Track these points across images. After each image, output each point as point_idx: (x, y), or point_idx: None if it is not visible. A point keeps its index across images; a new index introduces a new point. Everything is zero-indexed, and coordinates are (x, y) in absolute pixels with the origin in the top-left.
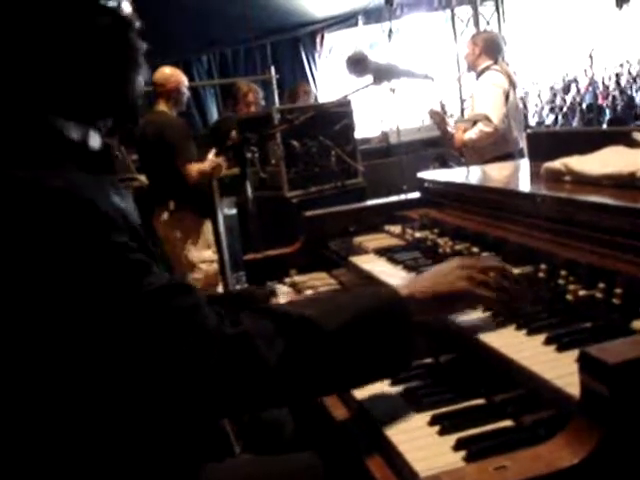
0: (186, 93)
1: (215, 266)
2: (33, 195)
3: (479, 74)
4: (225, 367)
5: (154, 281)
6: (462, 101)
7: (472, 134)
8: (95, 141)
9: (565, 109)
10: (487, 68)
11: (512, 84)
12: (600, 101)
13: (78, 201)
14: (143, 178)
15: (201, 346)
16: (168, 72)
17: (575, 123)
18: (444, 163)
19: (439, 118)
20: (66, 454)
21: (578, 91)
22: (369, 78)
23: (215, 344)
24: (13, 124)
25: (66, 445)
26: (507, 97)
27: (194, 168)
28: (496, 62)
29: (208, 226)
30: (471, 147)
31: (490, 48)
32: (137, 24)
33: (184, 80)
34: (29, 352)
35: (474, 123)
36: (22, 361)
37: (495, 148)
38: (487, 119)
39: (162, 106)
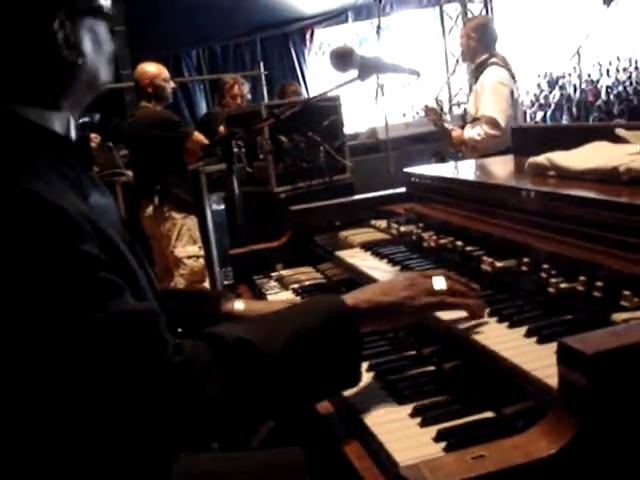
0: (166, 86)
1: (201, 261)
2: (3, 198)
3: (478, 67)
4: (167, 398)
5: (117, 304)
6: (451, 97)
7: (474, 134)
8: (74, 133)
9: (553, 106)
10: (487, 61)
11: (513, 78)
12: (590, 98)
13: (46, 206)
14: (130, 173)
15: (152, 374)
16: (141, 69)
17: (564, 120)
18: (442, 159)
19: (435, 115)
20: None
21: (565, 87)
22: (354, 73)
23: (163, 374)
24: None
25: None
26: (512, 95)
27: (200, 136)
28: (493, 53)
29: (194, 221)
30: (472, 146)
31: (486, 37)
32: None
33: (160, 73)
34: None
35: (473, 120)
36: None
37: (496, 145)
38: (493, 122)
39: (144, 102)
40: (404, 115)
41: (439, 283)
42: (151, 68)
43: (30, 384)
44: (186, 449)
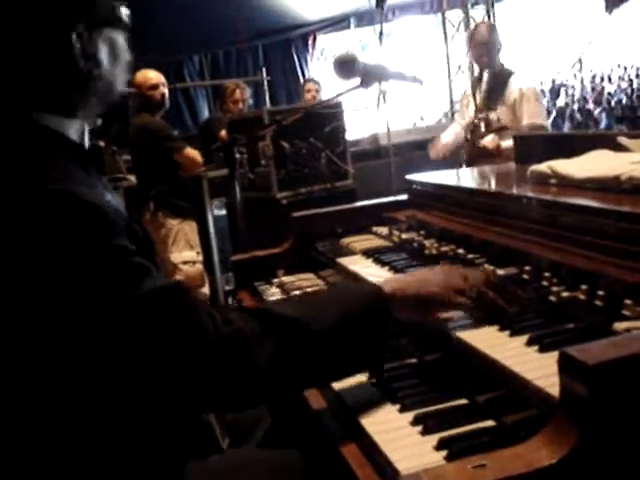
0: (153, 94)
1: (198, 267)
2: (40, 198)
3: (499, 75)
4: (217, 365)
5: (152, 283)
6: (452, 103)
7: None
8: (87, 141)
9: (555, 113)
10: (505, 68)
11: None
12: (590, 105)
13: (83, 204)
14: (133, 178)
15: (196, 344)
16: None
17: (566, 127)
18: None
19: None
20: (62, 452)
21: (567, 95)
22: (357, 80)
23: (209, 343)
24: (14, 129)
25: (62, 443)
26: None
27: (193, 152)
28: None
29: (191, 226)
30: (507, 156)
31: (500, 45)
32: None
33: (144, 82)
34: (30, 351)
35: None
36: (23, 360)
37: None
38: (543, 130)
39: (142, 110)
40: (415, 124)
41: (475, 278)
42: (139, 77)
43: (86, 363)
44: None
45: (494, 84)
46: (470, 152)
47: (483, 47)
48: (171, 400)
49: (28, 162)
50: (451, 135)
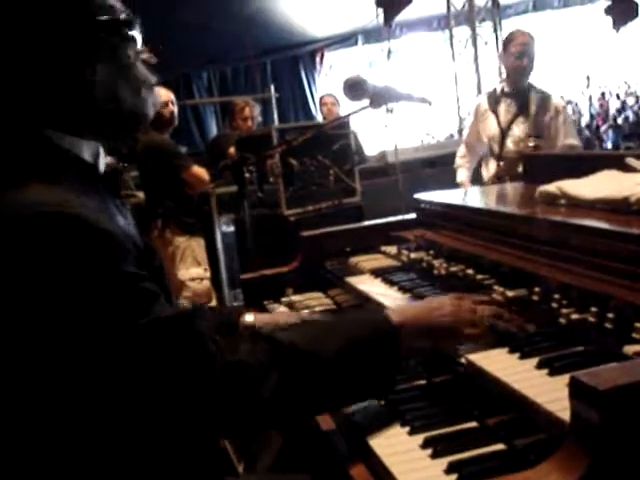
0: (163, 110)
1: (206, 283)
2: (52, 222)
3: (525, 90)
4: (222, 393)
5: (160, 310)
6: (460, 119)
7: None
8: (103, 163)
9: None
10: (536, 86)
11: None
12: (598, 122)
13: (91, 229)
14: (141, 195)
15: (201, 372)
16: None
17: None
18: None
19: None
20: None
21: (574, 112)
22: (367, 101)
23: (214, 371)
24: (26, 148)
25: (70, 470)
26: None
27: (200, 170)
28: None
29: (199, 243)
30: None
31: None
32: (146, 55)
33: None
34: (37, 376)
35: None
36: (29, 385)
37: None
38: (578, 149)
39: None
40: (422, 141)
41: (481, 316)
42: None
43: (92, 388)
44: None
45: (523, 99)
46: (498, 170)
47: (524, 57)
48: (176, 426)
49: (37, 181)
50: (465, 173)
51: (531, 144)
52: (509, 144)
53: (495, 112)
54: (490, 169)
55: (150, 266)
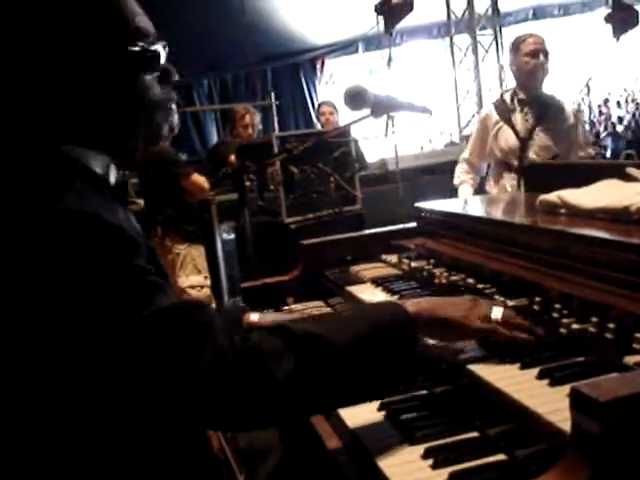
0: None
1: (206, 291)
2: (65, 220)
3: (540, 97)
4: (235, 380)
5: (168, 300)
6: (460, 127)
7: None
8: (113, 176)
9: None
10: (550, 95)
11: None
12: (599, 129)
13: (107, 225)
14: (141, 202)
15: (213, 359)
16: None
17: None
18: None
19: None
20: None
21: None
22: (367, 110)
23: (226, 358)
24: (40, 157)
25: (71, 464)
26: None
27: (199, 178)
28: None
29: (199, 251)
30: None
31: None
32: (174, 76)
33: None
34: (40, 365)
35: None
36: (32, 375)
37: None
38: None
39: None
40: (422, 148)
41: (496, 313)
42: None
43: (100, 379)
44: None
45: (540, 106)
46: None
47: (540, 54)
48: (187, 411)
49: (50, 185)
50: (470, 190)
51: (551, 154)
52: (531, 155)
53: (510, 122)
54: (504, 184)
55: (158, 265)
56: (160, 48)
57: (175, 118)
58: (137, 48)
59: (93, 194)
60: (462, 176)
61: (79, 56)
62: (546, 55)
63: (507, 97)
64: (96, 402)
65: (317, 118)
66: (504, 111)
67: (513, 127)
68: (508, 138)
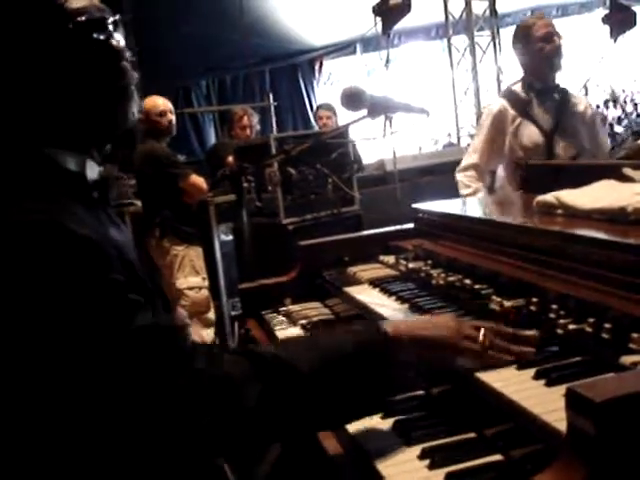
0: (159, 120)
1: (203, 292)
2: (31, 230)
3: (555, 89)
4: (204, 405)
5: (144, 321)
6: (459, 129)
7: None
8: (93, 172)
9: None
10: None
11: None
12: None
13: (76, 237)
14: (139, 203)
15: (182, 384)
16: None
17: None
18: None
19: None
20: None
21: None
22: (365, 111)
23: (196, 384)
24: (9, 158)
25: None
26: None
27: (198, 179)
28: None
29: (197, 252)
30: None
31: None
32: (128, 55)
33: (153, 107)
34: (12, 384)
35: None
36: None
37: None
38: None
39: (148, 137)
40: (420, 149)
41: (483, 334)
42: (147, 103)
43: (67, 394)
44: (220, 455)
45: (561, 95)
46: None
47: (554, 37)
48: (158, 441)
49: (19, 191)
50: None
51: (576, 148)
52: (559, 151)
53: (529, 117)
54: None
55: (142, 276)
56: (105, 24)
57: (137, 104)
58: (70, 26)
59: (69, 200)
60: (474, 184)
61: (18, 52)
62: (560, 37)
63: (518, 89)
64: (70, 420)
65: (315, 121)
66: (520, 104)
67: (535, 121)
68: (531, 134)
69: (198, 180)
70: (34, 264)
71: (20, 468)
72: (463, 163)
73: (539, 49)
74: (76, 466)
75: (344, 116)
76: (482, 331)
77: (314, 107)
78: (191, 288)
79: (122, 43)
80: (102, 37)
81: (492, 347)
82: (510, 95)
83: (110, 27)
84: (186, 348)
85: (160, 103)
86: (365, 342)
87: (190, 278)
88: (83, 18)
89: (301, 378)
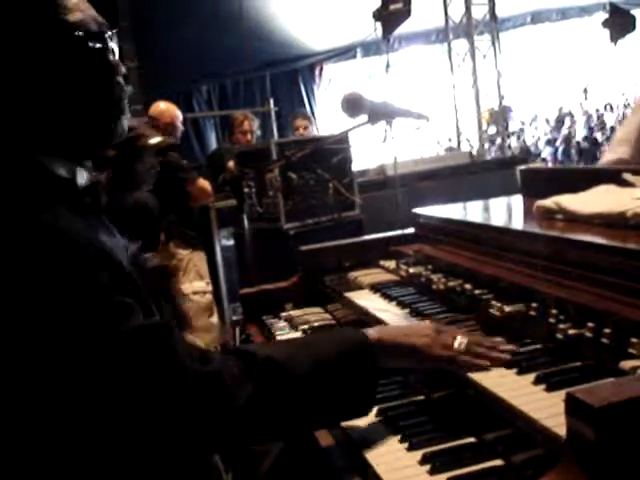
0: (180, 127)
1: (208, 297)
2: (20, 233)
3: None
4: (195, 405)
5: (131, 322)
6: (459, 133)
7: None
8: (82, 178)
9: (559, 142)
10: None
11: None
12: (595, 134)
13: (64, 240)
14: None
15: (173, 384)
16: (163, 107)
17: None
18: None
19: None
20: None
21: (572, 124)
22: (364, 117)
23: (187, 383)
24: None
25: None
26: None
27: (204, 183)
28: None
29: (201, 256)
30: None
31: None
32: (123, 70)
33: (178, 115)
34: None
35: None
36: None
37: None
38: None
39: None
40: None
41: (460, 342)
42: (155, 109)
43: (58, 397)
44: (212, 453)
45: None
46: None
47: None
48: (149, 440)
49: (10, 195)
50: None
51: None
52: None
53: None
54: None
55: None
56: (105, 39)
57: (128, 116)
58: (73, 37)
59: (59, 204)
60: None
61: (16, 62)
62: None
63: None
64: (62, 420)
65: (292, 132)
66: None
67: None
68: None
69: (205, 184)
70: (18, 266)
71: (16, 468)
72: (605, 159)
73: None
74: (69, 465)
75: (344, 122)
76: (458, 339)
77: (315, 112)
78: (196, 292)
79: (116, 57)
80: (98, 51)
81: (467, 353)
82: None
83: (108, 41)
84: (178, 348)
85: (165, 115)
86: (351, 343)
87: (195, 283)
88: (81, 32)
89: (292, 377)
